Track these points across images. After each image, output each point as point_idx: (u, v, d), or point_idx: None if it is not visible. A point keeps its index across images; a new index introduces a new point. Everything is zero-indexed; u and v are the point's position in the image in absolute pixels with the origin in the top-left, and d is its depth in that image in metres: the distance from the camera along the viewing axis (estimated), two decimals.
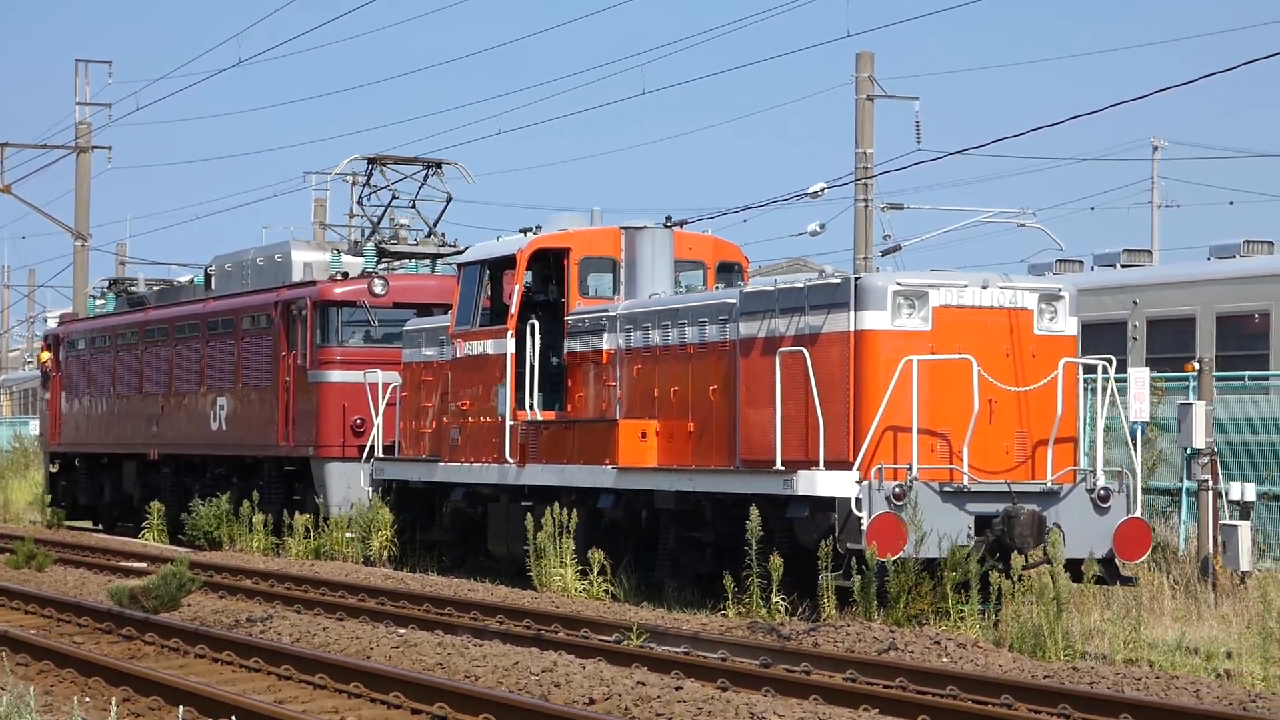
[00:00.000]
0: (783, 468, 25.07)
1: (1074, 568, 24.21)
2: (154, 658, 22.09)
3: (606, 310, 30.24)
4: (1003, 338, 24.97)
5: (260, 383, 40.88)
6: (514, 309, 31.39)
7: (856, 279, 25.01)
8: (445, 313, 36.04)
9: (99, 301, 54.76)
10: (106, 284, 54.79)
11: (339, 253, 40.84)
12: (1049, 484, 24.81)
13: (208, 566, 33.65)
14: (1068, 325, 25.59)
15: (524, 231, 32.73)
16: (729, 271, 32.20)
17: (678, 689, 18.04)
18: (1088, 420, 28.23)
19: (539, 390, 31.14)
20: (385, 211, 41.44)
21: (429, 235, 41.55)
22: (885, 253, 56.43)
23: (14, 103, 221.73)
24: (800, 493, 24.59)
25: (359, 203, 41.34)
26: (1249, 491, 27.53)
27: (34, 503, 56.92)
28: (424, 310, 37.91)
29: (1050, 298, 25.39)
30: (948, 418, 24.52)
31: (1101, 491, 24.89)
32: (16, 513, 58.36)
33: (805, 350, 25.06)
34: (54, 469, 54.46)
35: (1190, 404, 27.37)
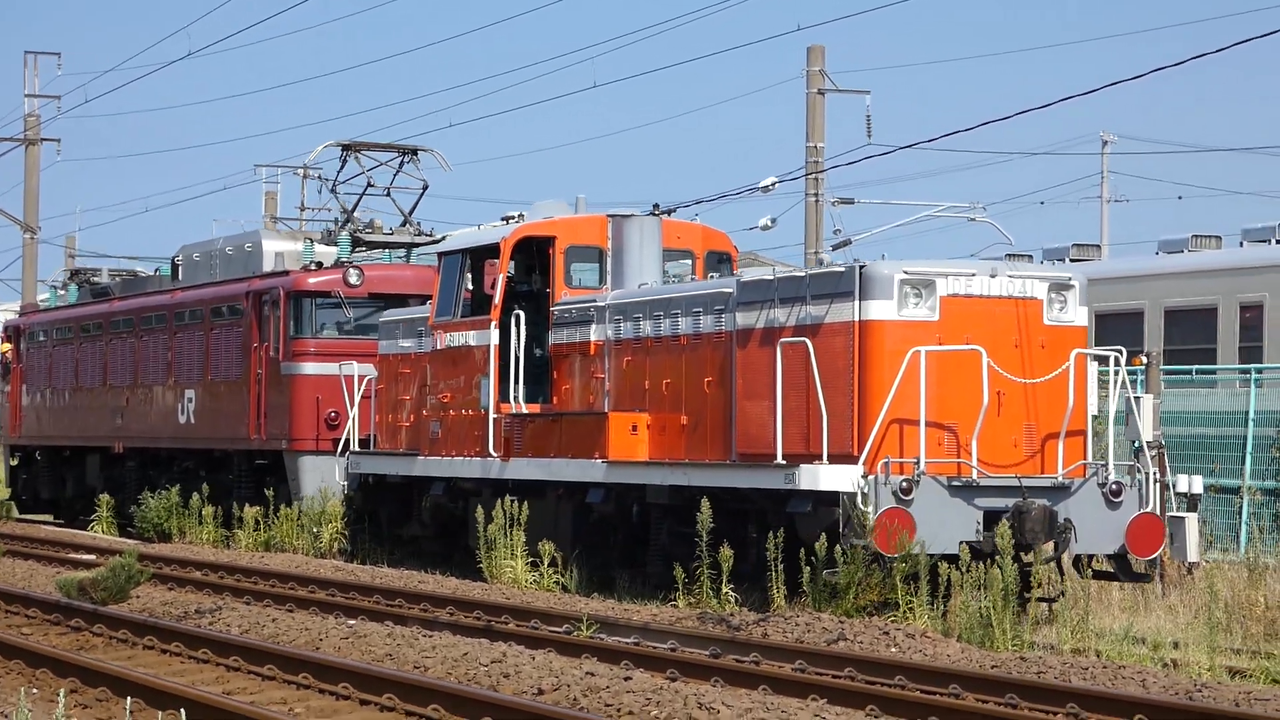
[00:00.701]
0: (784, 461, 24.16)
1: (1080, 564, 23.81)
2: (102, 649, 21.85)
3: (594, 300, 29.26)
4: (1011, 328, 24.01)
5: (230, 375, 39.80)
6: (497, 299, 30.41)
7: (861, 267, 23.92)
8: (422, 304, 35.21)
9: (60, 292, 53.51)
10: (68, 275, 53.64)
11: (312, 242, 39.72)
12: (1060, 478, 23.84)
13: (157, 559, 33.34)
14: (1078, 315, 24.66)
15: (506, 219, 31.84)
16: (718, 261, 31.21)
17: (627, 679, 17.87)
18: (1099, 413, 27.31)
19: (524, 383, 30.16)
20: (359, 199, 40.58)
21: (404, 224, 40.39)
22: (835, 247, 55.55)
23: None
24: (802, 487, 23.62)
25: (332, 190, 40.29)
26: (1196, 484, 26.89)
27: None
28: (400, 301, 36.87)
29: (1060, 287, 24.45)
30: (955, 410, 23.54)
31: (1113, 486, 23.94)
32: None
33: (808, 341, 24.14)
34: (14, 462, 53.42)
35: (1138, 397, 26.57)
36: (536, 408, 30.10)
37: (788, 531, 24.39)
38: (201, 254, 44.09)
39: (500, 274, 30.45)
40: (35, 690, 17.84)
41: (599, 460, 27.66)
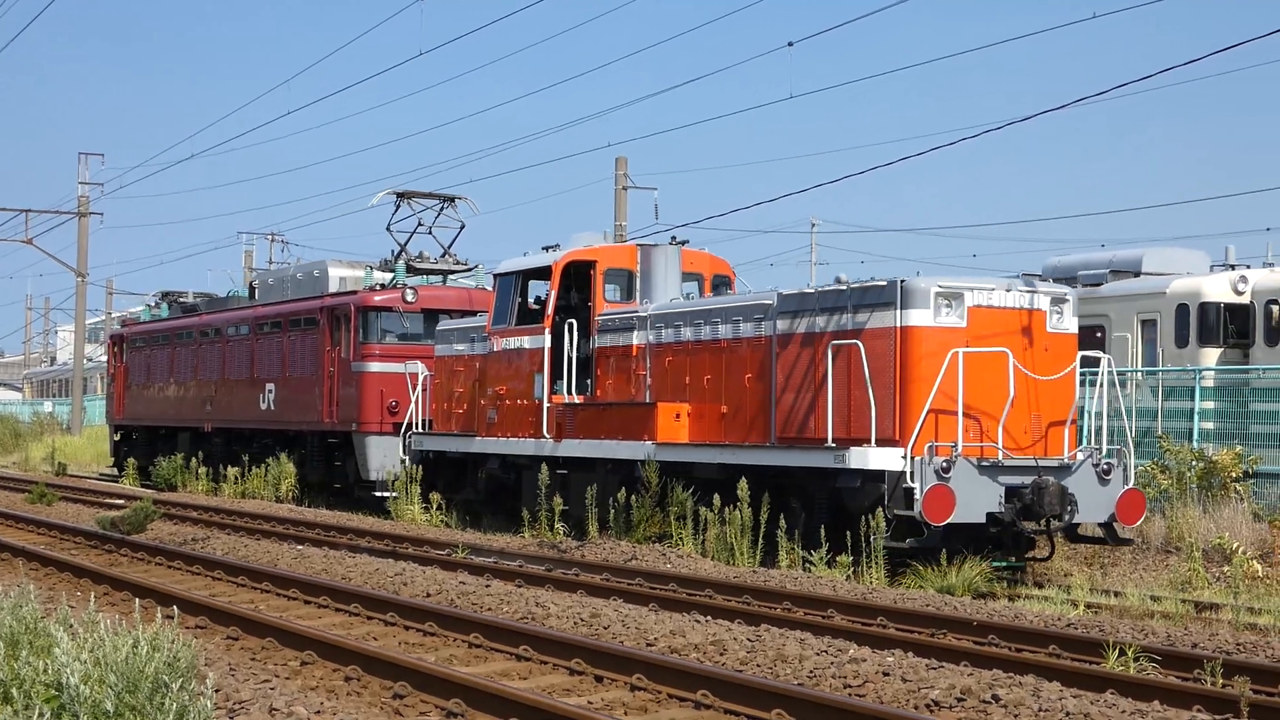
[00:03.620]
0: (833, 444, 20.05)
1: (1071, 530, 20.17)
2: (127, 565, 22.02)
3: (637, 311, 24.98)
4: (1022, 333, 20.00)
5: (305, 372, 35.32)
6: (550, 310, 26.16)
7: (902, 282, 19.86)
8: (463, 317, 31.67)
9: (153, 310, 48.51)
10: (160, 295, 48.88)
11: (371, 269, 35.22)
12: (1064, 459, 19.93)
13: (166, 503, 32.75)
14: (1071, 324, 20.64)
15: (546, 249, 27.76)
16: (720, 283, 27.18)
17: (488, 586, 18.21)
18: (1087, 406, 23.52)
19: (571, 379, 26.06)
20: (411, 236, 35.86)
21: (444, 255, 35.92)
22: None
23: (36, 177, 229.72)
24: (853, 466, 19.47)
25: (387, 229, 35.75)
26: None
27: (46, 459, 56.38)
28: (445, 315, 32.85)
29: (1059, 300, 20.49)
30: (980, 401, 19.45)
31: (1104, 466, 20.01)
32: (34, 465, 57.36)
33: (860, 343, 19.96)
34: (116, 437, 48.52)
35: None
36: (579, 399, 25.86)
37: (830, 503, 20.49)
38: (275, 279, 39.71)
39: (552, 290, 26.25)
40: (78, 593, 17.58)
41: (648, 441, 23.44)
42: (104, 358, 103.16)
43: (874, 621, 15.47)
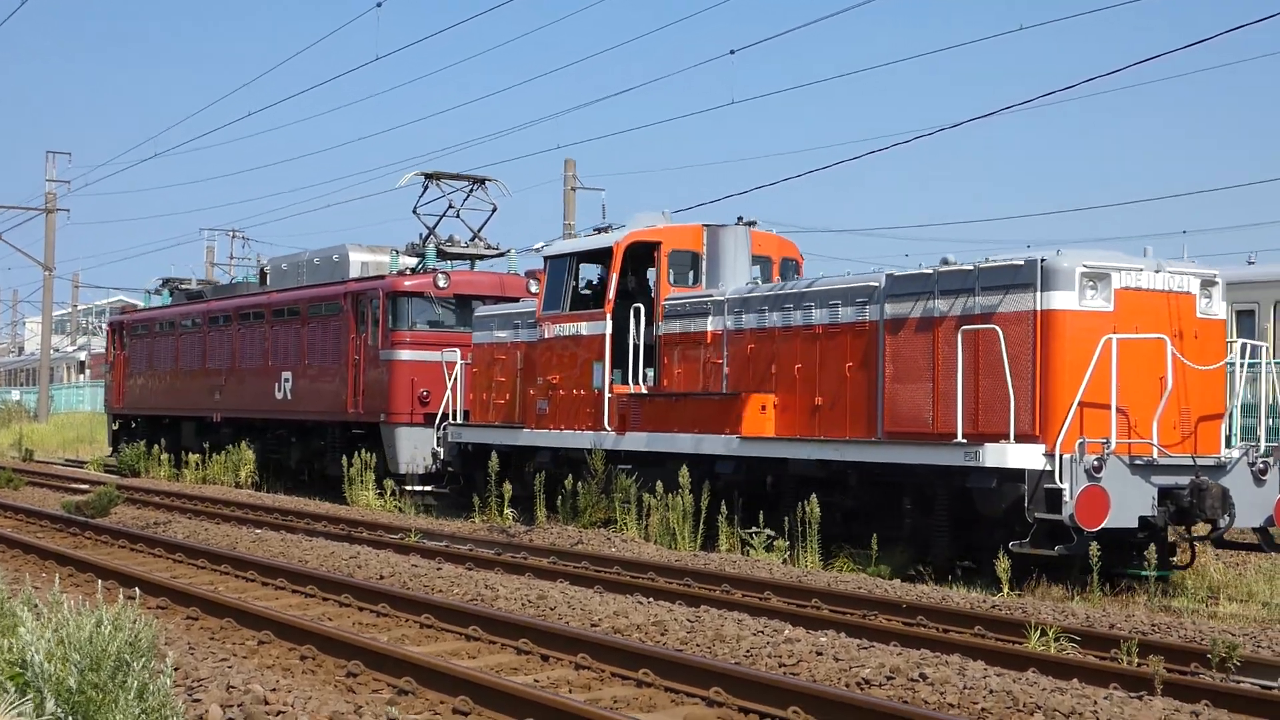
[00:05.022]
0: (963, 440, 17.42)
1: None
2: (91, 548, 21.86)
3: (711, 295, 22.37)
4: (1171, 319, 17.36)
5: (327, 360, 32.43)
6: (611, 294, 23.54)
7: (1042, 260, 17.20)
8: (495, 303, 29.04)
9: (153, 297, 45.61)
10: (160, 282, 45.96)
11: (397, 253, 32.38)
12: (1221, 457, 17.33)
13: (130, 488, 32.65)
14: (1220, 309, 18.10)
15: (598, 230, 25.12)
16: (788, 266, 24.53)
17: (439, 569, 18.21)
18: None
19: (623, 368, 23.53)
20: (440, 219, 33.03)
21: (473, 239, 33.04)
22: None
23: (4, 174, 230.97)
24: (988, 464, 16.84)
25: (414, 212, 32.74)
26: None
27: (13, 445, 55.56)
28: (478, 300, 30.11)
29: (1208, 284, 17.88)
30: (1124, 394, 16.82)
31: (1260, 465, 17.38)
32: (2, 451, 55.71)
33: (998, 328, 17.29)
34: (115, 427, 45.22)
35: None
36: (645, 389, 23.17)
37: (953, 504, 17.92)
38: (289, 264, 36.48)
39: (613, 272, 23.59)
40: (43, 575, 17.42)
41: (731, 435, 20.81)
42: (70, 348, 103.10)
43: (809, 603, 15.56)
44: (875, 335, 19.34)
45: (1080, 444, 16.52)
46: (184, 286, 44.77)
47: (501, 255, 32.79)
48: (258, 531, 23.50)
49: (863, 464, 18.90)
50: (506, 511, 24.37)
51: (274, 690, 9.82)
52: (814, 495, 19.09)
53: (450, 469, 27.61)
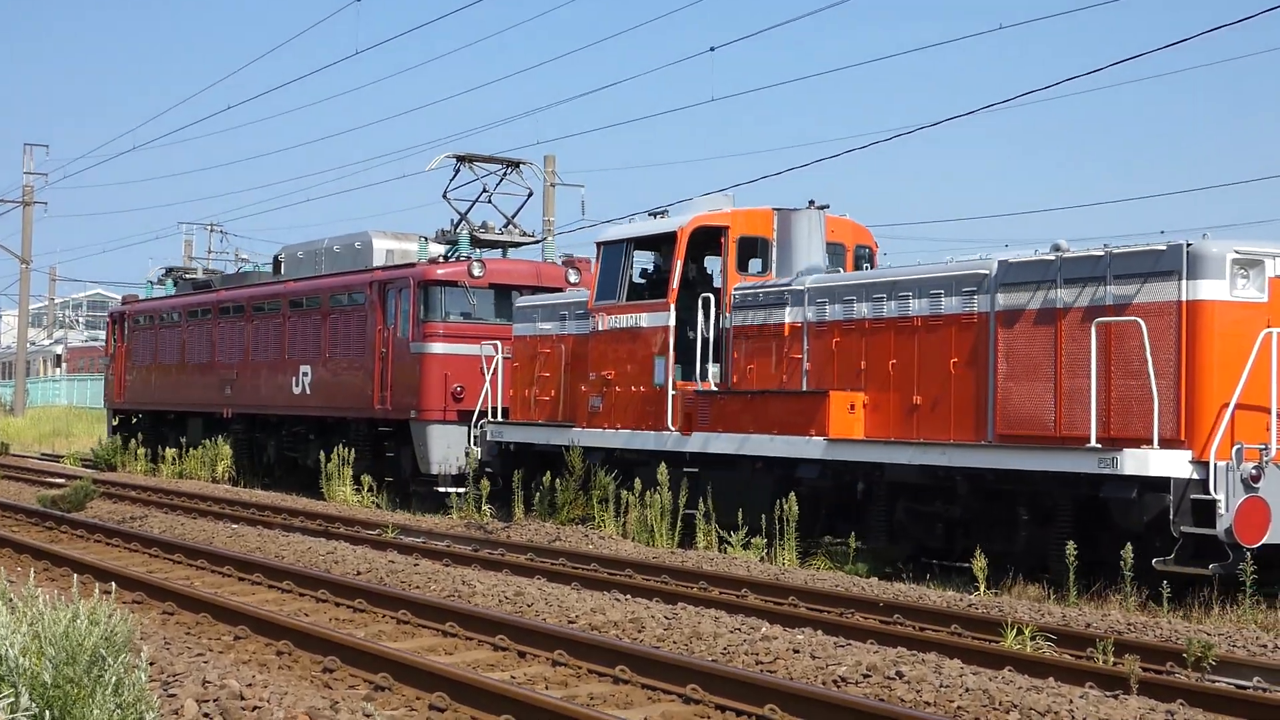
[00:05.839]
0: (1098, 445, 15.69)
1: None
2: (66, 542, 21.78)
3: (789, 284, 20.59)
4: None
5: (350, 353, 30.46)
6: (674, 284, 21.80)
7: (1187, 245, 15.50)
8: (534, 293, 27.30)
9: (156, 286, 43.58)
10: (164, 271, 44.14)
11: (426, 240, 30.58)
12: None
13: (106, 482, 32.20)
14: None
15: (653, 214, 23.42)
16: (863, 254, 22.82)
17: (416, 565, 18.12)
18: None
19: (684, 363, 21.91)
20: (472, 205, 31.09)
21: (507, 225, 31.14)
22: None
23: None
24: (1127, 472, 15.16)
25: (444, 196, 30.84)
26: None
27: None
28: (515, 290, 28.28)
29: None
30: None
31: None
32: None
33: (1141, 322, 15.59)
34: (115, 423, 42.90)
35: None
36: (715, 386, 21.49)
37: (1080, 515, 16.24)
38: (305, 252, 34.49)
39: (678, 259, 21.83)
40: (19, 569, 16.98)
41: (817, 437, 19.08)
42: (46, 342, 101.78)
43: (786, 601, 15.46)
44: (986, 328, 17.63)
45: (1237, 450, 14.88)
46: (189, 276, 42.89)
47: (537, 243, 31.07)
48: (234, 527, 23.42)
49: (975, 470, 17.19)
50: (484, 508, 23.97)
51: (250, 685, 9.72)
52: (902, 502, 17.55)
53: (489, 470, 25.86)
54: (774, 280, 21.25)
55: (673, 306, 21.88)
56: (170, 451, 36.28)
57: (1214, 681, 11.45)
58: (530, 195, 31.17)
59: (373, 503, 27.95)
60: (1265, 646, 12.70)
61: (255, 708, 9.16)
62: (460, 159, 30.85)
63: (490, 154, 31.08)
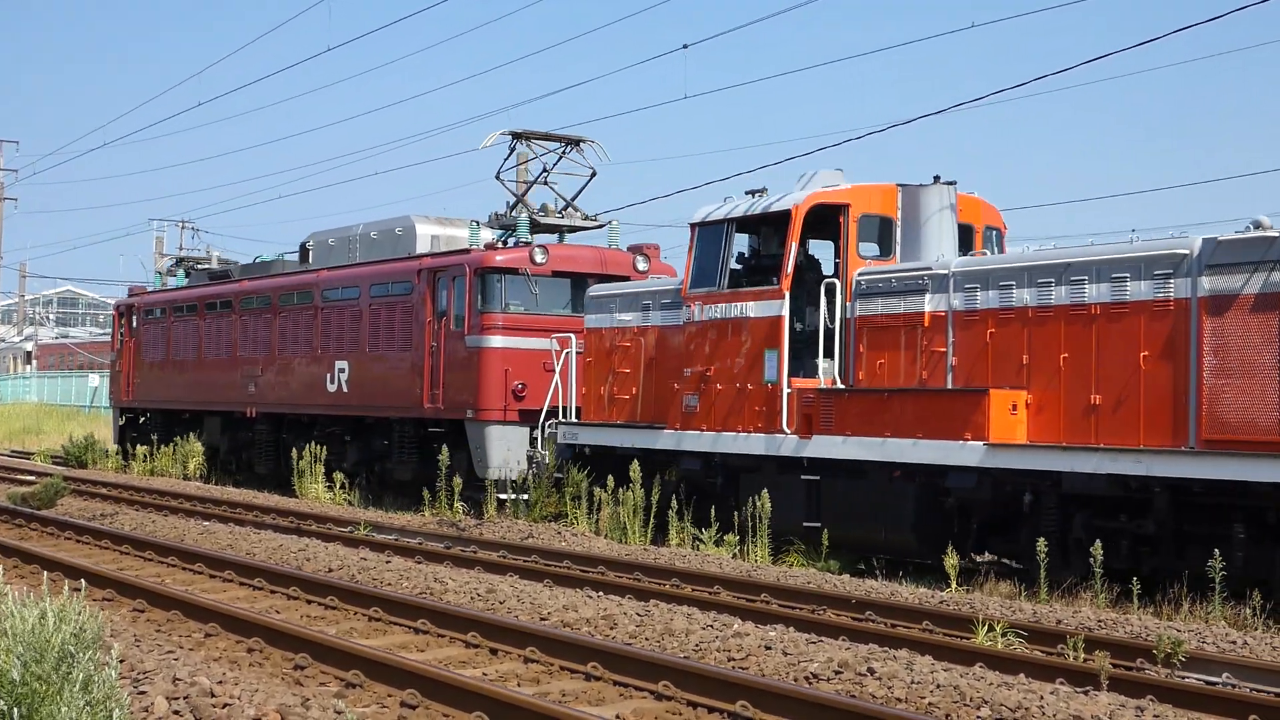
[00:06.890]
0: None
1: None
2: (37, 539, 21.66)
3: (930, 268, 18.32)
4: None
5: (394, 347, 28.09)
6: (789, 269, 19.52)
7: None
8: (599, 280, 25.29)
9: (167, 278, 41.33)
10: (174, 261, 41.93)
11: (478, 225, 28.18)
12: None
13: (77, 479, 32.50)
14: None
15: (751, 193, 20.94)
16: (993, 236, 20.63)
17: (388, 562, 17.97)
18: None
19: (798, 358, 19.76)
20: (530, 186, 28.90)
21: (566, 208, 28.77)
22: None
23: None
24: None
25: (496, 177, 28.59)
26: None
27: None
28: (580, 279, 26.20)
29: None
30: None
31: None
32: None
33: None
34: (121, 422, 40.45)
35: None
36: (815, 382, 19.34)
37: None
38: (337, 239, 32.10)
39: (792, 241, 19.55)
40: None
41: (971, 440, 16.82)
42: (16, 339, 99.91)
43: (758, 598, 15.44)
44: (1186, 316, 15.39)
45: None
46: (204, 266, 40.44)
47: (600, 227, 28.66)
48: (206, 524, 23.40)
49: (1179, 481, 14.93)
50: (456, 505, 23.71)
51: (221, 683, 9.58)
52: (1079, 517, 15.33)
53: (559, 476, 23.55)
54: (910, 264, 18.96)
55: (787, 295, 19.64)
56: (141, 449, 36.10)
57: (1184, 678, 11.40)
58: (593, 175, 28.77)
59: (345, 500, 27.79)
60: (1234, 643, 12.58)
61: (226, 705, 9.01)
62: (516, 136, 28.52)
63: (547, 131, 28.71)
